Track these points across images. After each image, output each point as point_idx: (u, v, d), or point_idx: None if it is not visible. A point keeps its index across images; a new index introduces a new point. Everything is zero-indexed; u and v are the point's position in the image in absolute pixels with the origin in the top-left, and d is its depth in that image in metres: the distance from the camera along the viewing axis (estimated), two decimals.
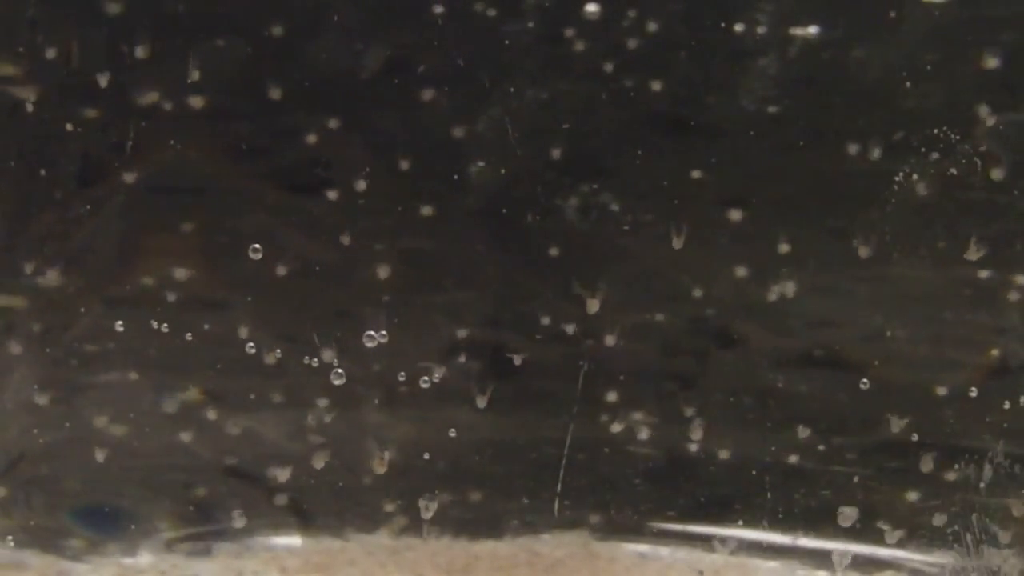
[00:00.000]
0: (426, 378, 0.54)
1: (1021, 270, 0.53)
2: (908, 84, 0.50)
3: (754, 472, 0.55)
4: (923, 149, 0.51)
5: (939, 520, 0.54)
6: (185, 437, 0.55)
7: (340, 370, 0.53)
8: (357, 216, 0.52)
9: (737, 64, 0.51)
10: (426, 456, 0.55)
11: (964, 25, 0.50)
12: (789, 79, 0.51)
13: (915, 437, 0.54)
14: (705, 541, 0.56)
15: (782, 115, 0.51)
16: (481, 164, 0.52)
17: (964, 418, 0.54)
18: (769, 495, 0.55)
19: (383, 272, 0.53)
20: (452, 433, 0.54)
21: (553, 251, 0.52)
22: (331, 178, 0.52)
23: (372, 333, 0.53)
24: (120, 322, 0.53)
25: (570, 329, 0.53)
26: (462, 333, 0.53)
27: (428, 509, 0.55)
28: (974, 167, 0.51)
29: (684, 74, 0.51)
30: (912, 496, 0.55)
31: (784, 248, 0.52)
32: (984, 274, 0.52)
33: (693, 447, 0.55)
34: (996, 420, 0.53)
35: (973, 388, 0.53)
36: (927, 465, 0.54)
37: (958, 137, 0.51)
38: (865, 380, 0.53)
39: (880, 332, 0.53)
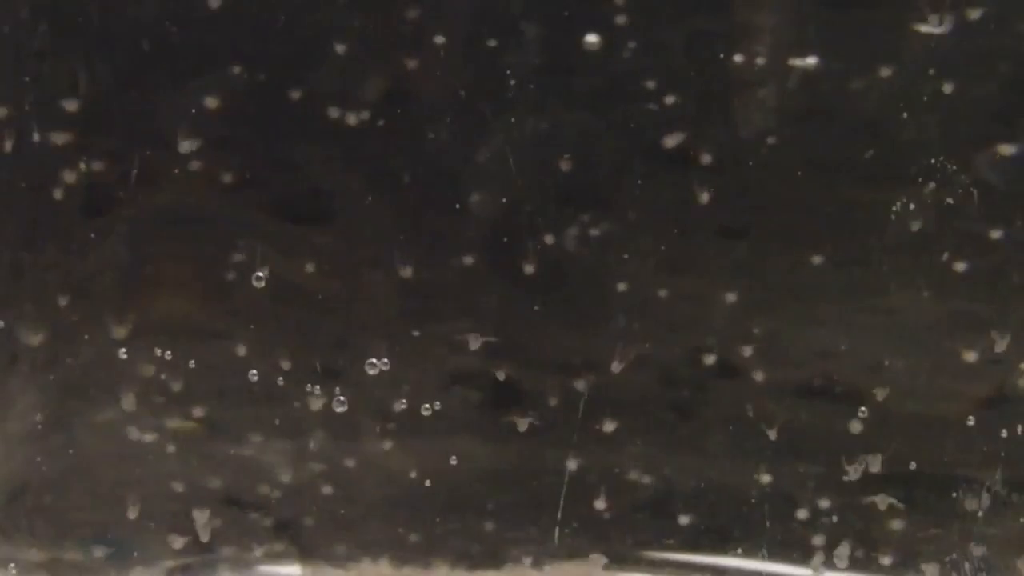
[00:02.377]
0: (427, 406, 0.54)
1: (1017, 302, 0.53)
2: (905, 115, 0.51)
3: (753, 502, 0.55)
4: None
5: (936, 549, 0.54)
6: (185, 465, 0.55)
7: (342, 398, 0.54)
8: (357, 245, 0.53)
9: (736, 95, 0.51)
10: (427, 484, 0.55)
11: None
12: (788, 110, 0.51)
13: (913, 466, 0.54)
14: (703, 571, 0.56)
15: (781, 146, 0.51)
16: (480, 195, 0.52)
17: (962, 447, 0.54)
18: (768, 524, 0.55)
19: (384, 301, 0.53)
20: (453, 461, 0.54)
21: (551, 280, 0.53)
22: (332, 207, 0.52)
23: (374, 361, 0.53)
24: (122, 350, 0.54)
25: (571, 359, 0.53)
26: (462, 362, 0.54)
27: (428, 538, 0.55)
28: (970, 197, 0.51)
29: (682, 104, 0.51)
30: (909, 525, 0.55)
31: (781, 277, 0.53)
32: (979, 305, 0.53)
33: (691, 476, 0.55)
34: (994, 449, 0.54)
35: (971, 417, 0.53)
36: (924, 494, 0.54)
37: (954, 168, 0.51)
38: (863, 409, 0.54)
39: (878, 363, 0.54)
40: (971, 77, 0.51)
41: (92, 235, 0.53)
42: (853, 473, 0.54)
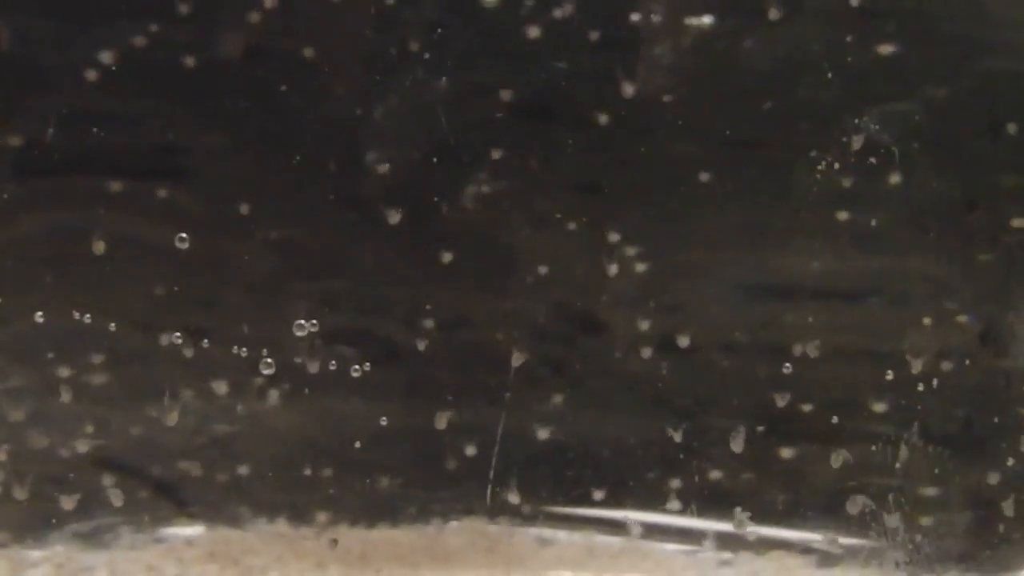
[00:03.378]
0: (310, 365, 0.53)
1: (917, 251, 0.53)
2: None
3: (651, 454, 0.55)
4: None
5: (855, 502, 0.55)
6: (85, 427, 0.54)
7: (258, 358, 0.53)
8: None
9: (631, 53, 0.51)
10: (323, 444, 0.55)
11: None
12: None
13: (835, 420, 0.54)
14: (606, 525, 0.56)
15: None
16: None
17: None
18: (669, 477, 0.55)
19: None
20: (339, 419, 0.54)
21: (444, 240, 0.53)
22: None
23: (303, 323, 0.53)
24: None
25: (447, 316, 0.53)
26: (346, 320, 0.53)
27: (326, 498, 0.55)
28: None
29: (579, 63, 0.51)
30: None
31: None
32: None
33: (590, 431, 0.55)
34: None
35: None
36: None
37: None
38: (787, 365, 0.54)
39: (774, 319, 0.54)
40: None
41: None
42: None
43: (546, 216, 0.53)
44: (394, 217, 0.52)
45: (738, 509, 0.55)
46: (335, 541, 0.55)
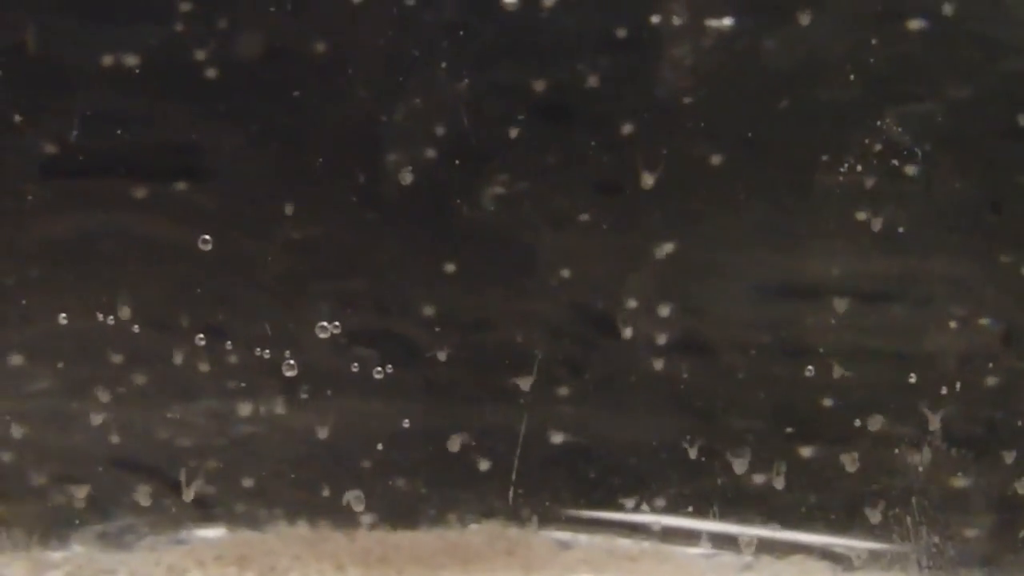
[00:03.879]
0: (329, 367, 0.54)
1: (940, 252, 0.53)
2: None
3: (671, 456, 0.55)
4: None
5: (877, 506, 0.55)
6: (106, 428, 0.54)
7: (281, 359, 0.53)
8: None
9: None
10: (344, 446, 0.55)
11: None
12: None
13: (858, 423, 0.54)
14: (627, 528, 0.56)
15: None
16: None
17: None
18: (689, 480, 0.55)
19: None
20: (359, 420, 0.54)
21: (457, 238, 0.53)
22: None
23: (325, 324, 0.53)
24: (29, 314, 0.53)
25: (468, 318, 0.53)
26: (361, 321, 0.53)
27: (346, 500, 0.55)
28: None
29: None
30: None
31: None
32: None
33: (611, 433, 0.55)
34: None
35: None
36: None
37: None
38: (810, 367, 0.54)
39: (796, 319, 0.54)
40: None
41: None
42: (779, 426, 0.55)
43: (567, 217, 0.53)
44: (415, 218, 0.52)
45: (758, 512, 0.55)
46: None
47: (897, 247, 0.53)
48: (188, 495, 0.55)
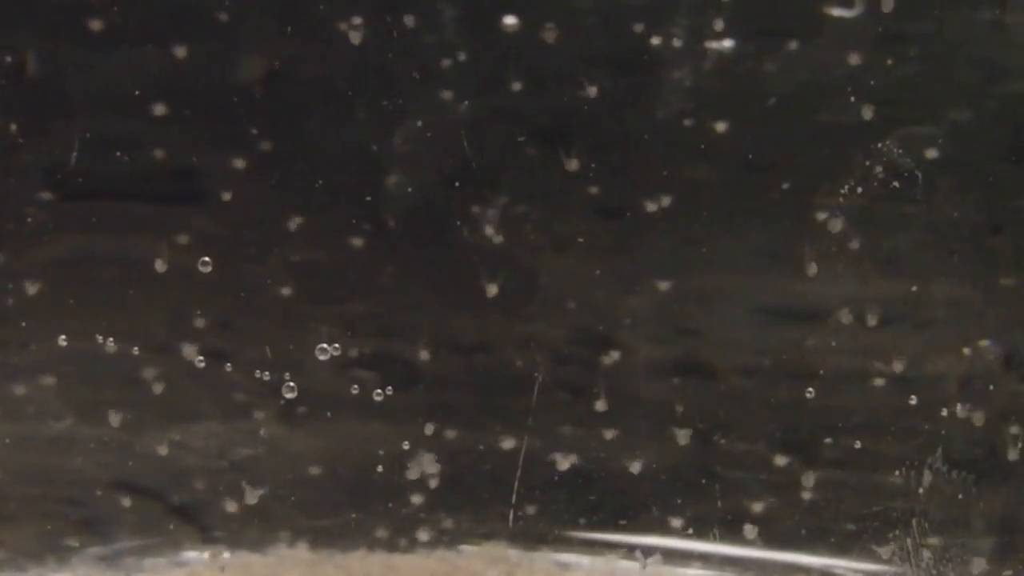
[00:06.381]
0: (326, 390, 0.54)
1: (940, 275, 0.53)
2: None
3: (672, 479, 0.55)
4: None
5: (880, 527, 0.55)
6: (106, 450, 0.54)
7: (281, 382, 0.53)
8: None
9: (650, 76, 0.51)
10: (344, 468, 0.55)
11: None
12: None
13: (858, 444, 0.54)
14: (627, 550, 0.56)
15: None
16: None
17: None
18: (689, 502, 0.55)
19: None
20: (356, 444, 0.54)
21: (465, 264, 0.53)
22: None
23: (326, 346, 0.53)
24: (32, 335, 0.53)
25: (471, 340, 0.53)
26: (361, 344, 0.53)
27: (347, 522, 0.55)
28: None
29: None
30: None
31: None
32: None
33: (610, 456, 0.55)
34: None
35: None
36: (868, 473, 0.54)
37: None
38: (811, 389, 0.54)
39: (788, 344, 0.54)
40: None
41: None
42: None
43: (567, 240, 0.53)
44: (416, 241, 0.52)
45: (759, 534, 0.55)
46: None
47: (898, 270, 0.53)
48: (188, 517, 0.55)
